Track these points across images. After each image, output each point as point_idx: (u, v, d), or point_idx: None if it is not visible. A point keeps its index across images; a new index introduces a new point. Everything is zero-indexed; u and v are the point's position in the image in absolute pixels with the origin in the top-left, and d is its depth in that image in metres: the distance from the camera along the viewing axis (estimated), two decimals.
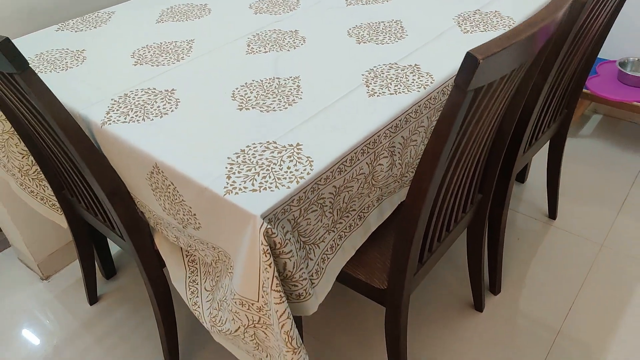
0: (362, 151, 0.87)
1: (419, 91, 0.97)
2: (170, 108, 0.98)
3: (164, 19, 1.34)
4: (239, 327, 0.88)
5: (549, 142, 1.62)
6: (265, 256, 0.75)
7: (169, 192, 0.90)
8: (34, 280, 1.67)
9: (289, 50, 1.14)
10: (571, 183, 1.90)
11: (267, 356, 0.93)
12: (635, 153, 2.02)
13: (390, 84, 1.00)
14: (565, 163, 1.99)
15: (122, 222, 1.07)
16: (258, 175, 0.80)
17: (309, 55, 1.12)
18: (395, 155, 0.95)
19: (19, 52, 0.81)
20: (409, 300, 1.09)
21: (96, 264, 1.58)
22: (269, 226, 0.74)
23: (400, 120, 0.93)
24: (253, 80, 1.04)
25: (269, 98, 0.99)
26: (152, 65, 1.12)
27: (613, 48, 2.05)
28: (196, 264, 1.10)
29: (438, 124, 0.76)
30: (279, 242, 0.76)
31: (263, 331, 0.87)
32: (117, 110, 0.98)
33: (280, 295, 0.77)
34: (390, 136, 0.92)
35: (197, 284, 1.07)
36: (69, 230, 1.43)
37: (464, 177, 1.03)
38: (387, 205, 1.04)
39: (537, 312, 1.47)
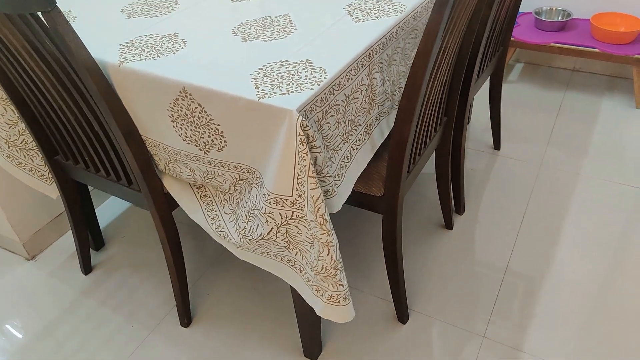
0: (361, 63, 1.01)
1: (396, 15, 1.13)
2: (179, 47, 1.07)
3: None
4: (272, 228, 1.00)
5: (489, 83, 1.85)
6: (302, 145, 0.87)
7: (195, 116, 0.99)
8: (19, 261, 1.68)
9: None
10: (505, 123, 2.14)
11: (297, 253, 1.04)
12: (555, 92, 2.31)
13: (371, 12, 1.15)
14: None
15: (136, 164, 1.15)
16: (282, 83, 0.92)
17: None
18: (384, 71, 1.10)
19: None
20: (402, 204, 1.25)
21: None
22: (303, 119, 0.86)
23: (385, 39, 1.08)
24: (247, 20, 1.16)
25: (267, 31, 1.11)
26: (145, 17, 1.20)
27: (530, 2, 2.33)
28: (208, 197, 1.20)
29: (429, 24, 0.92)
30: (311, 136, 0.89)
31: (295, 225, 0.98)
32: (129, 52, 1.06)
33: (315, 181, 0.89)
34: (379, 52, 1.07)
35: (215, 211, 1.17)
36: (62, 198, 1.46)
37: (437, 93, 1.20)
38: (384, 125, 1.19)
39: (496, 226, 1.68)
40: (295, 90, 0.90)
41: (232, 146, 1.00)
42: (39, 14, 0.92)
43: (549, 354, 1.31)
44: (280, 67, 0.97)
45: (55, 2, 0.90)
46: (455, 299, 1.46)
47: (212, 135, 1.00)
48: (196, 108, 0.98)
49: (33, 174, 1.44)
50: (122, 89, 1.06)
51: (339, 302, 1.01)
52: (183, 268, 1.38)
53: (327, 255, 0.96)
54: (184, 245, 1.67)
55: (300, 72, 0.95)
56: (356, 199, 1.24)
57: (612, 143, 1.99)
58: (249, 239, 1.06)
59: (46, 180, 1.47)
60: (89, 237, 1.65)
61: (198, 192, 1.22)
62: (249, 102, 0.90)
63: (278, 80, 0.94)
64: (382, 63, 1.09)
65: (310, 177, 0.89)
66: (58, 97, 1.14)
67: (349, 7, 1.18)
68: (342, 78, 0.97)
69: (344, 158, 1.06)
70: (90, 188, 1.59)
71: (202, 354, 1.37)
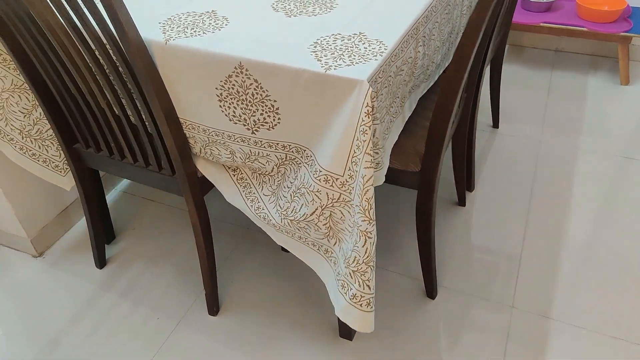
0: (410, 35, 1.02)
1: None
2: (222, 23, 1.05)
3: None
4: (316, 209, 0.99)
5: (491, 63, 1.89)
6: (367, 117, 0.87)
7: (248, 93, 0.97)
8: (26, 259, 1.60)
9: None
10: (500, 102, 2.20)
11: (335, 242, 1.04)
12: (542, 72, 2.38)
13: None
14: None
15: (175, 146, 1.12)
16: (344, 55, 0.92)
17: None
18: (424, 45, 1.11)
19: None
20: (439, 178, 1.26)
21: None
22: (372, 89, 0.86)
23: (428, 12, 1.09)
24: None
25: (309, 6, 1.10)
26: None
27: None
28: (245, 179, 1.18)
29: None
30: (376, 107, 0.89)
31: (340, 210, 0.98)
32: (171, 30, 1.03)
33: (371, 160, 0.89)
34: (423, 26, 1.08)
35: (253, 194, 1.15)
36: (78, 189, 1.41)
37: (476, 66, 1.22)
38: (413, 98, 1.20)
39: (507, 200, 1.72)
40: (360, 62, 0.90)
41: (285, 123, 0.99)
42: None
43: (577, 319, 1.36)
44: (335, 41, 0.97)
45: None
46: (479, 273, 1.49)
47: (266, 112, 0.99)
48: (251, 84, 0.96)
49: (47, 165, 1.39)
50: (165, 68, 1.03)
51: (361, 305, 0.98)
52: (213, 255, 1.35)
53: (363, 246, 0.94)
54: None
55: (358, 45, 0.95)
56: (391, 176, 1.25)
57: (603, 119, 2.07)
58: (291, 220, 1.05)
59: (60, 172, 1.41)
60: None
61: (234, 175, 1.19)
62: (314, 74, 0.89)
63: (338, 52, 0.93)
64: (424, 37, 1.10)
65: (367, 153, 0.88)
66: (91, 79, 1.09)
67: None
68: (398, 50, 0.97)
69: (385, 130, 1.06)
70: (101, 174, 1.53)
71: (235, 342, 1.35)
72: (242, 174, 1.18)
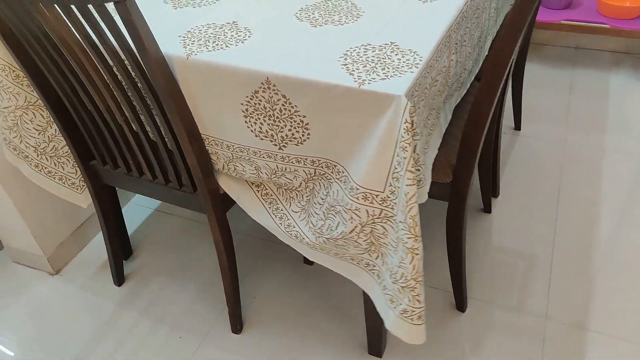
0: (444, 44, 0.97)
1: None
2: (245, 35, 1.00)
3: None
4: (356, 227, 0.94)
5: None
6: (407, 134, 0.82)
7: (276, 109, 0.93)
8: (43, 277, 1.57)
9: None
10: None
11: (377, 257, 0.99)
12: (562, 71, 2.32)
13: None
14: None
15: (198, 163, 1.08)
16: (377, 68, 0.87)
17: None
18: (457, 53, 1.06)
19: None
20: (472, 188, 1.21)
21: None
22: (411, 104, 0.81)
23: (460, 19, 1.04)
24: (306, 5, 1.09)
25: (334, 15, 1.05)
26: (193, 7, 1.12)
27: None
28: (270, 195, 1.13)
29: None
30: (415, 122, 0.84)
31: (382, 225, 0.93)
32: (192, 44, 0.98)
33: (413, 176, 0.83)
34: (456, 33, 1.03)
35: (281, 210, 1.10)
36: (95, 207, 1.37)
37: None
38: (448, 109, 1.15)
39: (533, 206, 1.67)
40: (395, 75, 0.85)
41: (315, 139, 0.94)
42: (107, 4, 0.83)
43: (614, 329, 1.30)
44: (366, 52, 0.92)
45: None
46: (509, 283, 1.44)
47: (294, 128, 0.94)
48: (279, 100, 0.91)
49: (63, 182, 1.35)
50: (186, 84, 0.98)
51: (412, 319, 0.94)
52: (236, 273, 1.31)
53: (410, 263, 0.89)
54: (214, 251, 1.59)
55: (391, 56, 0.90)
56: None
57: (627, 117, 2.01)
58: (327, 238, 1.00)
59: (77, 189, 1.37)
60: None
61: (258, 191, 1.15)
62: (347, 89, 0.84)
63: (370, 64, 0.88)
64: (457, 44, 1.05)
65: (409, 171, 0.83)
66: (108, 96, 1.05)
67: None
68: (432, 60, 0.92)
69: (424, 145, 1.01)
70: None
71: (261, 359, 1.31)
72: (266, 189, 1.14)
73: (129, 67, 0.98)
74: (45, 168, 1.31)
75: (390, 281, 0.95)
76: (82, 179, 1.36)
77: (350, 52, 0.92)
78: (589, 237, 1.54)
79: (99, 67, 1.00)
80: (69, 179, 1.35)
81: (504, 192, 1.73)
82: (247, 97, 0.94)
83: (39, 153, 1.29)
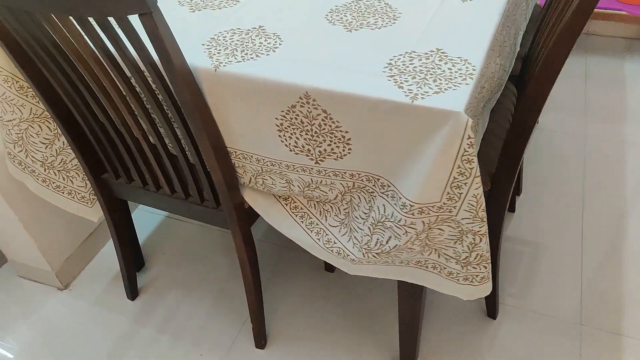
0: (491, 48, 0.90)
1: None
2: (275, 43, 0.92)
3: None
4: (410, 238, 0.88)
5: None
6: (471, 149, 0.75)
7: (314, 124, 0.85)
8: (52, 292, 1.49)
9: None
10: None
11: (430, 253, 0.93)
12: (576, 58, 2.26)
13: None
14: None
15: (223, 179, 1.00)
16: (427, 79, 0.80)
17: None
18: (500, 55, 0.99)
19: None
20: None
21: None
22: (471, 120, 0.74)
23: (504, 19, 0.97)
24: (336, 6, 1.01)
25: (368, 18, 0.97)
26: (212, 9, 1.04)
27: None
28: (300, 208, 1.07)
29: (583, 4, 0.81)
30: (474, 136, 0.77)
31: (438, 228, 0.87)
32: (218, 53, 0.90)
33: (479, 180, 0.78)
34: (500, 33, 0.96)
35: (316, 225, 1.04)
36: (107, 221, 1.29)
37: None
38: (486, 114, 1.08)
39: (558, 204, 1.62)
40: (449, 87, 0.78)
41: (357, 154, 0.87)
42: (131, 16, 0.75)
43: None
44: (412, 60, 0.84)
45: (157, 1, 0.73)
46: (539, 287, 1.39)
47: (334, 143, 0.87)
48: (319, 115, 0.84)
49: (73, 197, 1.26)
50: (214, 97, 0.90)
51: (488, 278, 0.95)
52: (261, 288, 1.24)
53: (485, 243, 0.88)
54: (231, 260, 1.53)
55: (440, 65, 0.83)
56: None
57: None
58: (377, 253, 0.94)
59: (87, 203, 1.29)
60: None
61: (286, 204, 1.08)
62: (397, 105, 0.77)
63: (419, 75, 0.81)
64: (500, 46, 0.98)
65: (477, 177, 0.78)
66: (125, 109, 0.97)
67: None
68: (484, 68, 0.85)
69: None
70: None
71: None
72: (295, 202, 1.07)
73: (149, 80, 0.90)
74: (54, 182, 1.23)
75: (460, 266, 0.93)
76: (93, 192, 1.28)
77: (395, 61, 0.84)
78: (619, 236, 1.50)
79: (115, 79, 0.92)
80: (79, 193, 1.27)
81: (526, 189, 1.68)
82: (282, 111, 0.86)
83: (46, 167, 1.21)
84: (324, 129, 0.85)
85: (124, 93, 0.94)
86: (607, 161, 1.74)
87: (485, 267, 0.92)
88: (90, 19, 0.79)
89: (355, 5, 1.01)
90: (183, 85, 0.84)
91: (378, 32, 0.93)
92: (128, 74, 0.90)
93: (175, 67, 0.81)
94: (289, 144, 0.91)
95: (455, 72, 0.81)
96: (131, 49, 0.82)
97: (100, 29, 0.79)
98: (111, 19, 0.77)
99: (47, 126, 1.18)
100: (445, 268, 0.94)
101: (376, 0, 1.02)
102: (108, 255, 1.57)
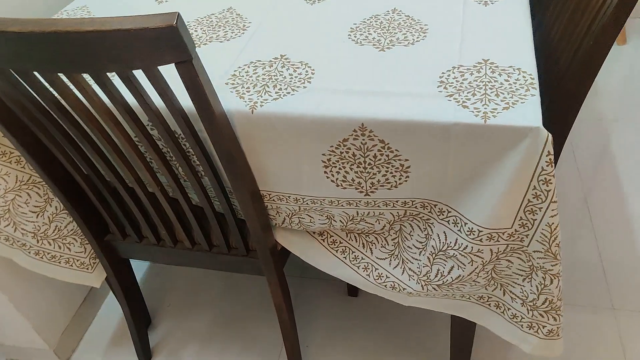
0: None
1: None
2: (306, 72, 0.84)
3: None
4: (476, 268, 0.83)
5: None
6: (550, 167, 0.71)
7: (369, 155, 0.78)
8: None
9: None
10: None
11: (495, 289, 0.89)
12: None
13: None
14: None
15: (259, 225, 0.91)
16: (489, 95, 0.75)
17: None
18: None
19: (188, 31, 0.62)
20: None
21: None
22: (551, 135, 0.70)
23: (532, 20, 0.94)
24: (355, 25, 0.95)
25: (396, 34, 0.91)
26: (220, 42, 0.94)
27: None
28: (340, 243, 0.99)
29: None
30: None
31: (507, 259, 0.83)
32: (248, 92, 0.81)
33: (556, 206, 0.74)
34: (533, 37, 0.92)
35: (362, 259, 0.97)
36: (115, 284, 1.17)
37: None
38: None
39: (562, 212, 1.63)
40: (517, 101, 0.73)
41: (414, 181, 0.81)
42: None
43: None
44: (463, 75, 0.79)
45: (195, 47, 0.64)
46: (565, 279, 1.38)
47: (390, 172, 0.80)
48: (374, 146, 0.77)
49: (71, 265, 1.13)
50: (249, 141, 0.82)
51: (558, 334, 0.87)
52: (296, 331, 1.16)
53: (556, 287, 0.81)
54: (240, 300, 1.43)
55: (495, 77, 0.78)
56: None
57: (609, 81, 2.02)
58: (437, 285, 0.88)
59: (87, 268, 1.15)
60: None
61: (323, 240, 1.00)
62: (469, 127, 0.72)
63: (478, 91, 0.76)
64: None
65: (553, 202, 0.73)
66: (142, 165, 0.86)
67: None
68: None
69: None
70: None
71: None
72: (332, 236, 0.99)
73: (177, 132, 0.80)
74: (49, 253, 1.09)
75: (526, 309, 0.86)
76: (93, 256, 1.14)
77: (446, 78, 0.79)
78: (627, 214, 1.52)
79: (130, 134, 0.81)
80: (78, 260, 1.13)
81: None
82: (332, 146, 0.79)
83: (39, 238, 1.07)
84: (379, 159, 0.79)
85: (142, 148, 0.83)
86: (593, 140, 1.77)
87: (555, 320, 0.85)
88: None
89: (375, 22, 0.94)
90: (221, 134, 0.75)
91: (412, 48, 0.87)
92: (149, 128, 0.80)
93: (215, 116, 0.71)
94: (336, 179, 0.84)
95: (514, 83, 0.76)
96: (158, 99, 0.72)
97: (126, 85, 0.69)
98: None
99: (37, 192, 1.04)
100: (509, 309, 0.89)
101: (395, 13, 0.96)
102: (103, 321, 1.43)
